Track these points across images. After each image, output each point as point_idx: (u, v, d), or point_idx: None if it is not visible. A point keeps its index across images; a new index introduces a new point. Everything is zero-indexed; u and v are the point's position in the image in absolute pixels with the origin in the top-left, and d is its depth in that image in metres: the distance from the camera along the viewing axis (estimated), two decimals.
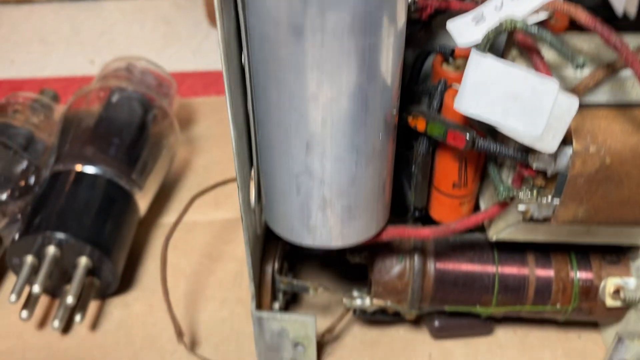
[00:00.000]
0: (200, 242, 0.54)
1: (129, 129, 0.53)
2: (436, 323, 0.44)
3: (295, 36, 0.27)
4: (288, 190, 0.33)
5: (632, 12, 0.26)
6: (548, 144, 0.30)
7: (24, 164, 0.53)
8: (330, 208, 0.33)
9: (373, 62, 0.29)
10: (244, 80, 0.33)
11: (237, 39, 0.31)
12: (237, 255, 0.53)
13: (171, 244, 0.50)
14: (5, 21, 0.90)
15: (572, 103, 0.29)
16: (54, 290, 0.48)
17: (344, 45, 0.28)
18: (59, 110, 0.60)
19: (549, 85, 0.29)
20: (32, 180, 0.52)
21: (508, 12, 0.31)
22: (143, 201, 0.52)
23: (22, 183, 0.52)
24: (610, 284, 0.40)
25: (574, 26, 0.34)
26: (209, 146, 0.65)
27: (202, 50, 0.83)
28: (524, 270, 0.41)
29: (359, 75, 0.29)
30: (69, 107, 0.55)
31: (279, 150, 0.32)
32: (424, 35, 0.38)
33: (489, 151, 0.33)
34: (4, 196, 0.51)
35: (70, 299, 0.43)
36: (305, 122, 0.30)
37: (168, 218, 0.56)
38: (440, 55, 0.37)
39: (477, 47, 0.31)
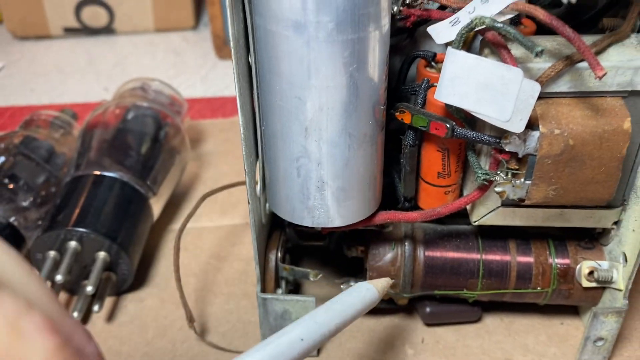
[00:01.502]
0: (208, 245, 0.58)
1: (143, 141, 0.58)
2: (427, 309, 0.47)
3: (295, 32, 0.32)
4: (289, 173, 0.37)
5: None
6: (516, 125, 0.34)
7: (45, 175, 0.57)
8: (326, 189, 0.37)
9: (362, 54, 0.33)
10: (251, 78, 0.37)
11: (245, 40, 0.36)
12: (243, 256, 0.56)
13: (181, 246, 0.53)
14: (26, 54, 0.96)
15: (534, 87, 0.33)
16: (72, 288, 0.52)
17: (336, 38, 0.32)
18: (78, 128, 0.65)
19: (514, 72, 0.33)
20: (52, 189, 0.57)
21: (480, 13, 0.36)
22: (156, 206, 0.56)
23: (43, 192, 0.56)
24: (585, 266, 0.44)
25: (541, 32, 0.39)
26: (216, 162, 0.69)
27: (209, 79, 0.89)
28: (506, 257, 0.45)
29: (350, 64, 0.33)
30: (88, 122, 0.60)
31: (281, 136, 0.36)
32: (409, 43, 0.43)
33: (467, 138, 0.38)
34: (27, 203, 0.55)
35: (89, 288, 0.47)
36: (303, 109, 0.34)
37: (178, 225, 0.60)
38: (424, 59, 0.42)
39: (453, 43, 0.35)
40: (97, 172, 0.53)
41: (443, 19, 0.39)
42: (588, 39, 0.37)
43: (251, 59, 0.37)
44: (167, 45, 0.97)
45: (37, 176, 0.57)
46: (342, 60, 0.33)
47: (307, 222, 0.39)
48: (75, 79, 0.89)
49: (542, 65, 0.36)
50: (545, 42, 0.37)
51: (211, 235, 0.59)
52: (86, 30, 0.99)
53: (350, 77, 0.34)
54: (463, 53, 0.35)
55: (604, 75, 0.32)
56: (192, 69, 0.91)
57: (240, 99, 0.35)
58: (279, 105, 0.35)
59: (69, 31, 0.99)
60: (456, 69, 0.35)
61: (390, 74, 0.39)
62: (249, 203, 0.39)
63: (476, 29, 0.35)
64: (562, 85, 0.36)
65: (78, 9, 0.97)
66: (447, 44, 0.38)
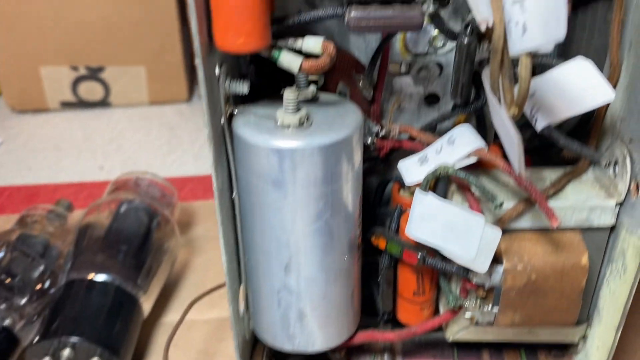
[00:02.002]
0: (197, 340, 0.60)
1: (135, 237, 0.60)
2: None
3: (274, 186, 0.35)
4: (270, 303, 0.40)
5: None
6: (480, 265, 0.37)
7: (40, 269, 0.59)
8: (306, 318, 0.40)
9: (335, 202, 0.36)
10: (234, 212, 0.40)
11: (228, 181, 0.39)
12: (230, 353, 0.58)
13: (171, 342, 0.55)
14: (24, 129, 0.99)
15: (495, 234, 0.36)
16: None
17: (311, 192, 0.35)
18: (74, 216, 0.67)
19: (477, 220, 0.36)
20: (47, 283, 0.59)
21: (446, 155, 0.39)
22: (147, 303, 0.58)
23: (39, 287, 0.58)
24: None
25: None
26: (207, 247, 0.72)
27: (202, 154, 0.92)
28: None
29: (324, 212, 0.36)
30: (83, 218, 0.62)
31: (263, 271, 0.39)
32: (383, 167, 0.46)
33: (437, 268, 0.40)
34: (23, 300, 0.57)
35: None
36: (283, 249, 0.37)
37: (169, 317, 0.62)
38: (397, 183, 0.45)
39: (420, 187, 0.38)
40: (90, 277, 0.55)
41: (414, 150, 0.42)
42: (548, 174, 0.40)
43: (234, 195, 0.39)
44: (161, 119, 1.00)
45: (33, 271, 0.59)
46: (317, 210, 0.36)
47: (287, 348, 0.41)
48: (71, 156, 0.92)
49: (504, 206, 0.39)
50: (509, 179, 0.40)
51: (200, 329, 0.61)
52: (82, 104, 1.02)
53: (326, 223, 0.36)
54: (429, 197, 0.37)
55: (559, 224, 0.35)
56: (185, 145, 0.94)
57: (224, 239, 0.38)
58: (260, 244, 0.38)
59: (66, 105, 1.02)
60: (424, 210, 0.38)
61: (366, 193, 0.42)
62: (232, 328, 0.41)
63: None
64: (524, 222, 0.39)
65: (75, 84, 1.00)
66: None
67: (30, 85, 0.99)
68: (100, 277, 0.55)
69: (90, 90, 1.01)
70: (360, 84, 0.42)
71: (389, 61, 0.42)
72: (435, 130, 0.44)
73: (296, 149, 0.33)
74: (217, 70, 0.35)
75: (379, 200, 0.46)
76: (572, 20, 0.43)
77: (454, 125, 0.42)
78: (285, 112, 0.34)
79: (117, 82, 1.00)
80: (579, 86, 0.35)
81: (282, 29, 0.35)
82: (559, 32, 0.26)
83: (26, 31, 0.95)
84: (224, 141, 0.36)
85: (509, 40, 0.29)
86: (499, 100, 0.31)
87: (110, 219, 0.62)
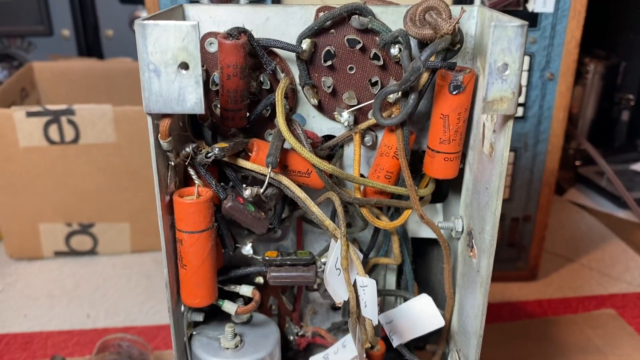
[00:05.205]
0: None
1: None
2: None
3: None
4: None
5: None
6: None
7: None
8: None
9: None
10: None
11: None
12: None
13: None
14: (21, 276, 1.15)
15: None
16: None
17: None
18: None
19: None
20: None
21: (340, 357, 0.57)
22: None
23: None
24: None
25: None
26: None
27: None
28: None
29: None
30: None
31: None
32: (303, 356, 0.63)
33: None
34: None
35: None
36: None
37: None
38: None
39: None
40: None
41: (324, 344, 0.60)
42: None
43: None
44: (140, 267, 1.18)
45: None
46: None
47: None
48: (62, 304, 1.07)
49: None
50: None
51: None
52: (73, 253, 1.19)
53: None
54: None
55: None
56: (160, 294, 1.10)
57: None
58: None
59: (59, 254, 1.19)
60: None
61: None
62: None
63: None
64: None
65: (68, 237, 1.18)
66: None
67: (29, 238, 1.17)
68: None
69: (81, 242, 1.18)
70: (284, 300, 0.60)
71: None
72: (340, 328, 0.62)
73: None
74: (182, 307, 0.53)
75: None
76: (430, 253, 0.63)
77: None
78: (225, 339, 0.52)
79: (104, 236, 1.18)
80: (421, 315, 0.54)
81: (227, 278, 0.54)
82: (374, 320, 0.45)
83: (29, 194, 1.14)
84: (186, 354, 0.54)
85: (361, 306, 0.48)
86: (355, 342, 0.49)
87: None
